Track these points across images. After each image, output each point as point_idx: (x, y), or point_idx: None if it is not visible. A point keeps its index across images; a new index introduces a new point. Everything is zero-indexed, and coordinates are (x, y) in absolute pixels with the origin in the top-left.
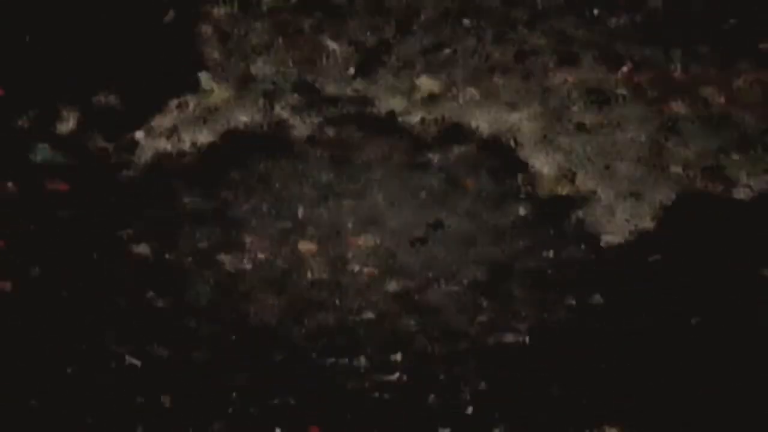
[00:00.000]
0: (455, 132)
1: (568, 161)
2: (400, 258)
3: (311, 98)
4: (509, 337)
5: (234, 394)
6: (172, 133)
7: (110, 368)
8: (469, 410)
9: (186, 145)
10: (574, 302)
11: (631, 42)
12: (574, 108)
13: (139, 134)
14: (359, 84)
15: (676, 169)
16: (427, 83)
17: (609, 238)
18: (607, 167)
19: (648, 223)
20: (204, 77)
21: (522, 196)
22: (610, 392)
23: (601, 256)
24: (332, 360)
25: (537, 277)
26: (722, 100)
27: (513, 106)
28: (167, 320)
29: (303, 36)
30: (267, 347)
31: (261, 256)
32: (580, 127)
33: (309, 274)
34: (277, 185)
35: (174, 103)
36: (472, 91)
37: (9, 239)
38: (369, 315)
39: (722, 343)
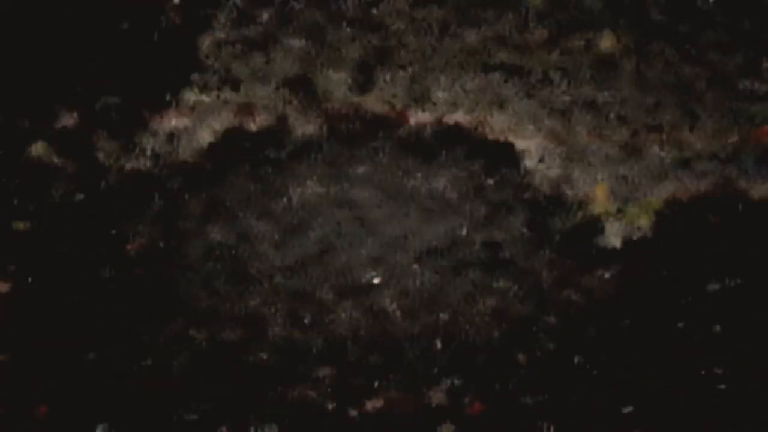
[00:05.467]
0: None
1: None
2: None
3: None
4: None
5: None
6: (172, 133)
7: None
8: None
9: (187, 145)
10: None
11: None
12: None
13: (140, 134)
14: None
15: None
16: None
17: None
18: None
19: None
20: None
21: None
22: (609, 394)
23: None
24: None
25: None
26: None
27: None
28: (164, 321)
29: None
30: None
31: (261, 255)
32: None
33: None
34: (276, 186)
35: (174, 103)
36: None
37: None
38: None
39: (727, 342)
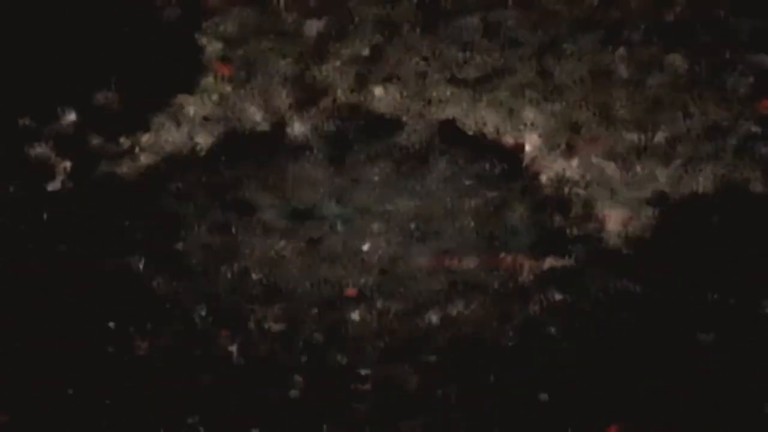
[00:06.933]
0: None
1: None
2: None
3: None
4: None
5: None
6: (172, 133)
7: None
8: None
9: (187, 145)
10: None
11: None
12: None
13: (140, 134)
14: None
15: None
16: None
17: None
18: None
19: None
20: None
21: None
22: (608, 393)
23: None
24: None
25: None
26: None
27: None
28: (166, 321)
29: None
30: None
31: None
32: None
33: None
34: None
35: (174, 102)
36: None
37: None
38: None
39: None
